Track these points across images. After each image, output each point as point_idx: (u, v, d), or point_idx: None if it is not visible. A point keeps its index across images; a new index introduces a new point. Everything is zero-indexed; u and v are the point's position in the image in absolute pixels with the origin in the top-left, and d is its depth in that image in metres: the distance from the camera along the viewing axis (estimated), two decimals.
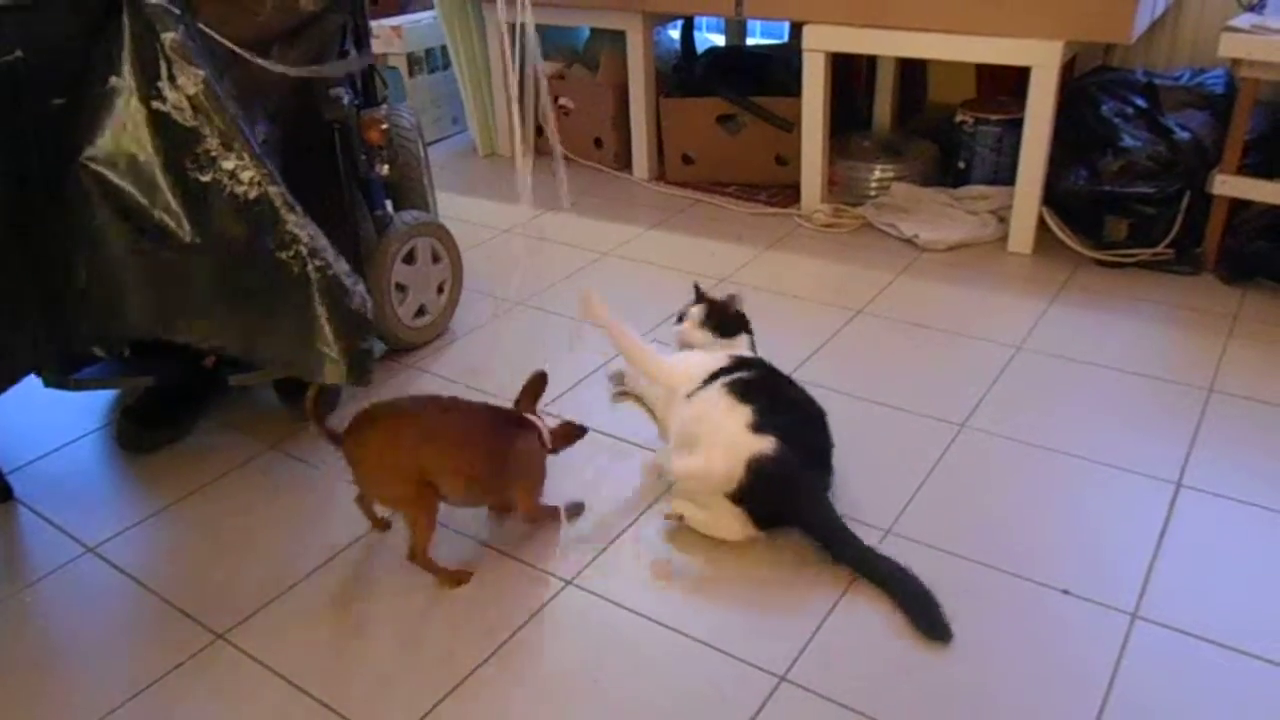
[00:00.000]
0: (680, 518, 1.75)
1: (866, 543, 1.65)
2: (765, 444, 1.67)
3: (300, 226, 1.68)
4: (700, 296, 2.09)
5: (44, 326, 1.71)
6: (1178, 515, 1.73)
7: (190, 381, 2.16)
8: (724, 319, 2.00)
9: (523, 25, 2.04)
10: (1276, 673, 1.42)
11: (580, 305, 1.94)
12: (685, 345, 2.01)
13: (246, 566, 1.73)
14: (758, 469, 1.66)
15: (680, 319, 2.06)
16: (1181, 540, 1.68)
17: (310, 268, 1.68)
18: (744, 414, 1.72)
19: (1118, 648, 1.47)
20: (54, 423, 2.16)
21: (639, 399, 2.15)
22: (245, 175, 1.61)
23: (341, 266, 1.74)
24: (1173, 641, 1.48)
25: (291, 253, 1.67)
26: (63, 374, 1.97)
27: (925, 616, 1.53)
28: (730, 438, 1.70)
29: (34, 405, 2.18)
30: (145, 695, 1.48)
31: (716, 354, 1.92)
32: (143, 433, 2.08)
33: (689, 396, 1.84)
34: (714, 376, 1.84)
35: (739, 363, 1.89)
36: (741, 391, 1.77)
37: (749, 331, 2.02)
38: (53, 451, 2.08)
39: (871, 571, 1.61)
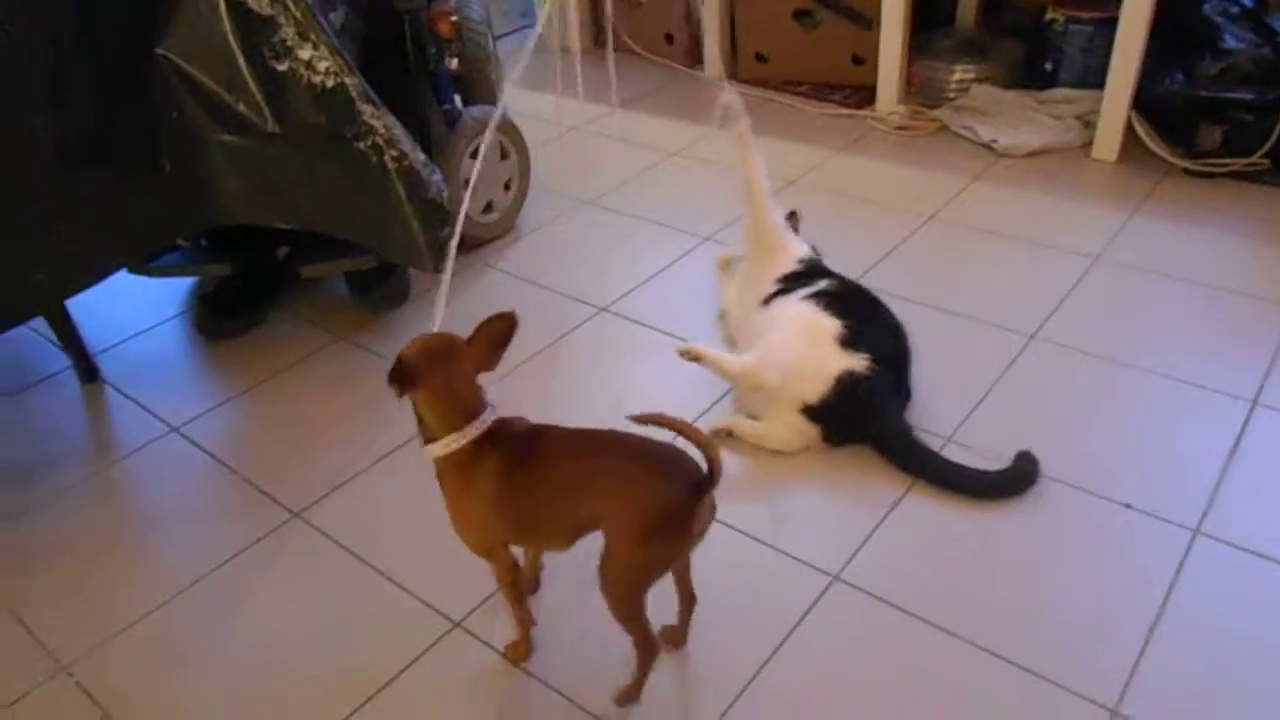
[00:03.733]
0: (729, 433, 1.72)
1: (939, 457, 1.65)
2: (857, 361, 1.66)
3: (376, 117, 1.68)
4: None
5: (130, 216, 1.73)
6: (1250, 434, 1.69)
7: (264, 271, 2.21)
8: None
9: None
10: None
11: (724, 109, 1.91)
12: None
13: (319, 451, 1.79)
14: (847, 387, 1.64)
15: None
16: (1252, 459, 1.64)
17: (387, 157, 1.69)
18: (832, 327, 1.69)
19: (1176, 562, 1.46)
20: (137, 308, 2.24)
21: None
22: (321, 65, 1.61)
23: (418, 157, 1.74)
24: (1233, 558, 1.47)
25: (369, 143, 1.67)
26: (143, 260, 2.04)
27: (1008, 490, 1.59)
28: (819, 350, 1.68)
29: (117, 290, 2.26)
30: (229, 566, 1.57)
31: (797, 250, 1.92)
32: (219, 320, 2.15)
33: (765, 303, 1.82)
34: (791, 283, 1.82)
35: (815, 269, 1.86)
36: (828, 303, 1.74)
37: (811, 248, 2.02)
38: (136, 335, 2.17)
39: (948, 483, 1.61)
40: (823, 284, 1.81)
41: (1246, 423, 1.72)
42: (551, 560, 1.50)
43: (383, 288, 2.13)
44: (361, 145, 1.67)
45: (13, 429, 1.93)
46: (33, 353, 2.13)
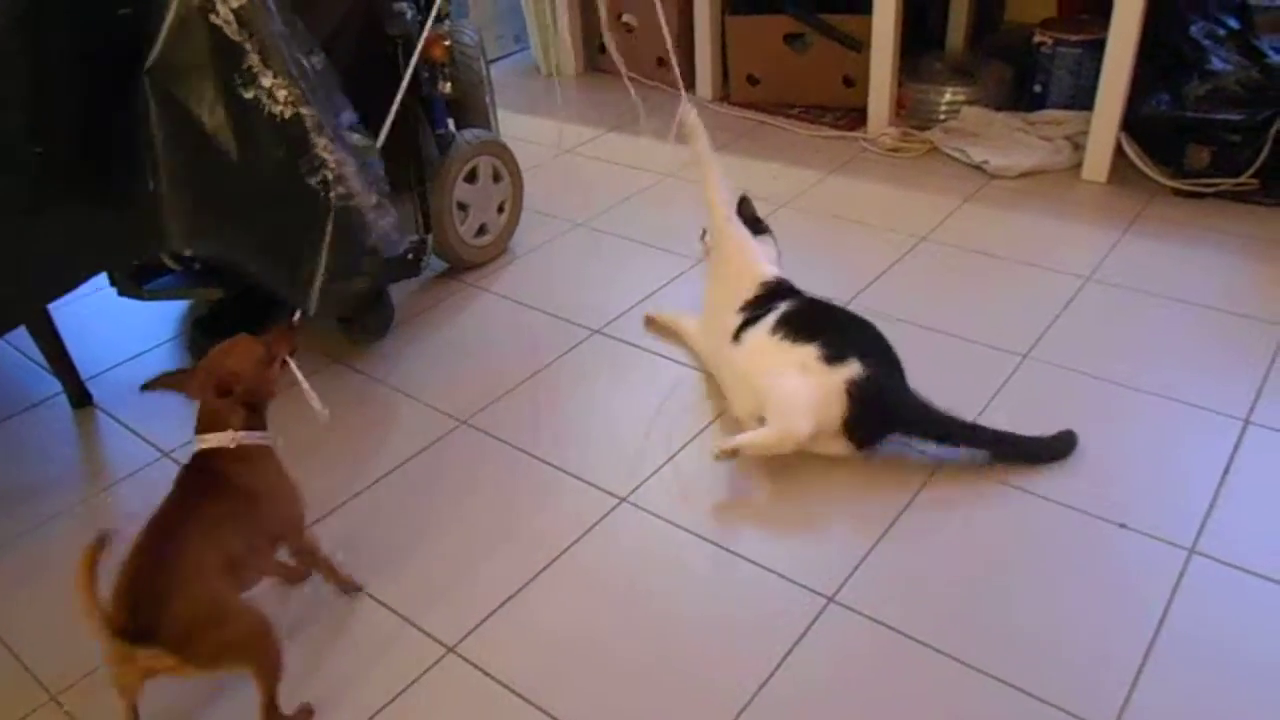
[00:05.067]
0: (734, 453, 1.67)
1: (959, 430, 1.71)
2: (851, 369, 1.67)
3: (329, 151, 1.64)
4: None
5: (116, 228, 1.71)
6: (1244, 453, 1.70)
7: (256, 295, 2.20)
8: (751, 221, 2.03)
9: None
10: None
11: (680, 124, 1.95)
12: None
13: (315, 474, 1.78)
14: (859, 394, 1.66)
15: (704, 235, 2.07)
16: (1246, 478, 1.64)
17: (333, 195, 1.65)
18: (812, 351, 1.71)
19: (1172, 582, 1.46)
20: (130, 332, 2.24)
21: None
22: (280, 94, 1.60)
23: (369, 199, 1.70)
24: (1229, 577, 1.47)
25: (319, 179, 1.64)
26: (136, 284, 2.03)
27: (1048, 453, 1.70)
28: (815, 377, 1.69)
29: (111, 315, 2.26)
30: None
31: (760, 270, 1.93)
32: (212, 344, 2.13)
33: (736, 338, 1.83)
34: (755, 309, 1.84)
35: (775, 291, 1.88)
36: (795, 329, 1.76)
37: (769, 232, 2.06)
38: (130, 359, 2.16)
39: (988, 445, 1.70)
40: (783, 307, 1.82)
41: (1239, 441, 1.72)
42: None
43: (365, 319, 2.13)
44: (312, 181, 1.64)
45: (3, 454, 1.92)
46: (24, 377, 2.12)
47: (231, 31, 1.57)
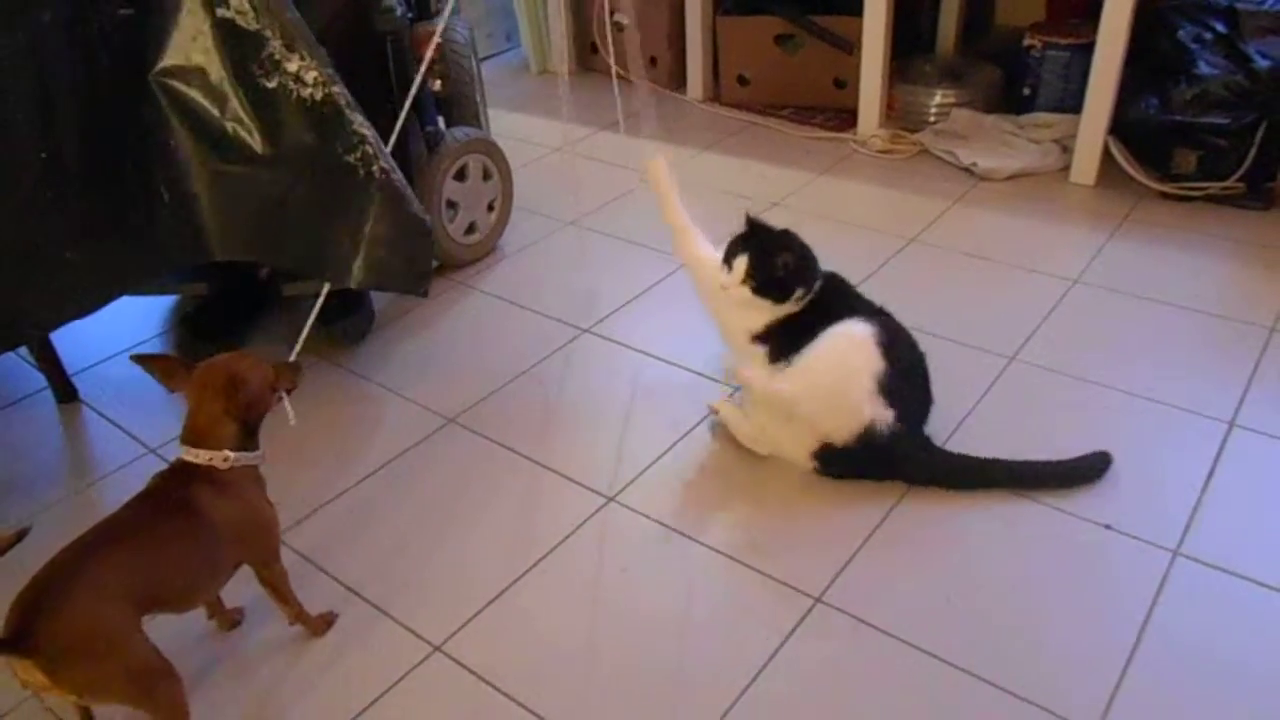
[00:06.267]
0: (716, 413, 1.68)
1: (970, 459, 1.68)
2: (887, 415, 1.59)
3: (365, 126, 1.64)
4: (751, 231, 1.70)
5: (130, 245, 1.67)
6: (1228, 455, 1.71)
7: (244, 291, 2.20)
8: (770, 277, 1.65)
9: None
10: None
11: (646, 167, 1.86)
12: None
13: (299, 472, 1.78)
14: (871, 439, 1.60)
15: (728, 261, 1.69)
16: (1231, 480, 1.65)
17: (375, 168, 1.64)
18: (877, 369, 1.60)
19: (1157, 583, 1.47)
20: (116, 327, 2.22)
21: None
22: (309, 76, 1.57)
23: (399, 176, 1.71)
24: (1213, 579, 1.48)
25: (358, 154, 1.63)
26: (136, 292, 2.01)
27: (1075, 479, 1.65)
28: (859, 390, 1.60)
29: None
30: None
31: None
32: (198, 342, 2.13)
33: (786, 359, 1.68)
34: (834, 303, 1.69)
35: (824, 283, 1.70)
36: (884, 341, 1.62)
37: (807, 283, 1.67)
38: (115, 355, 2.15)
39: (1001, 482, 1.65)
40: (874, 321, 1.65)
41: (1224, 443, 1.73)
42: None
43: (345, 321, 2.11)
44: (350, 158, 1.63)
45: None
46: (9, 372, 2.11)
47: (246, 21, 1.55)
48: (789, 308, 1.67)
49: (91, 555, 1.18)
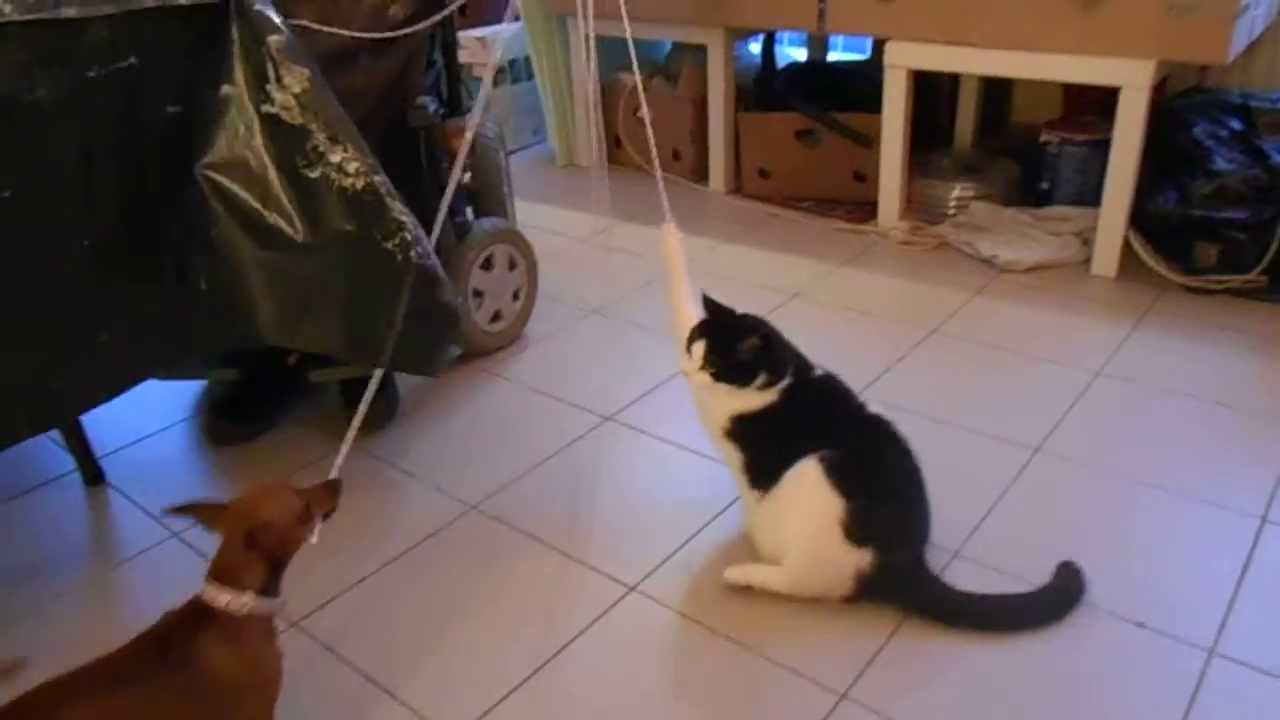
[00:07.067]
0: (748, 587, 1.63)
1: (969, 593, 1.59)
2: (864, 558, 1.53)
3: (404, 213, 1.68)
4: (712, 315, 1.63)
5: (163, 328, 1.69)
6: (1262, 551, 1.67)
7: (272, 376, 2.23)
8: (732, 363, 1.56)
9: (588, 37, 2.04)
10: None
11: (663, 239, 1.86)
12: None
13: (321, 558, 1.77)
14: (865, 581, 1.55)
15: (689, 347, 1.62)
16: (1265, 577, 1.62)
17: (412, 254, 1.68)
18: (837, 511, 1.51)
19: (1193, 684, 1.43)
20: (145, 410, 2.25)
21: None
22: (351, 166, 1.61)
23: (434, 261, 1.74)
24: (1251, 680, 1.43)
25: (396, 240, 1.66)
26: (165, 375, 2.04)
27: (1061, 610, 1.57)
28: (829, 547, 1.54)
29: (126, 393, 2.28)
30: None
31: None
32: (227, 427, 2.16)
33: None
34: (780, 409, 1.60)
35: (802, 382, 1.62)
36: (840, 466, 1.53)
37: (771, 369, 1.57)
38: (143, 439, 2.17)
39: (995, 625, 1.56)
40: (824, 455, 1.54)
41: (1257, 540, 1.70)
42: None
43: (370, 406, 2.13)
44: (389, 244, 1.66)
45: (12, 530, 1.92)
46: (38, 454, 2.13)
47: (291, 116, 1.60)
48: (755, 397, 1.58)
49: (70, 703, 1.11)
